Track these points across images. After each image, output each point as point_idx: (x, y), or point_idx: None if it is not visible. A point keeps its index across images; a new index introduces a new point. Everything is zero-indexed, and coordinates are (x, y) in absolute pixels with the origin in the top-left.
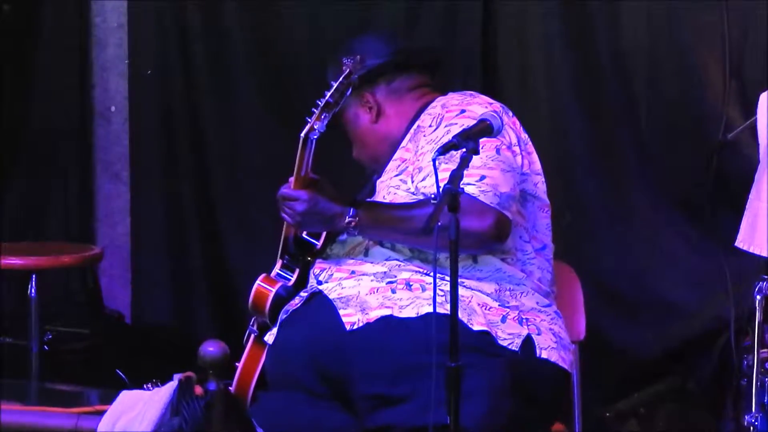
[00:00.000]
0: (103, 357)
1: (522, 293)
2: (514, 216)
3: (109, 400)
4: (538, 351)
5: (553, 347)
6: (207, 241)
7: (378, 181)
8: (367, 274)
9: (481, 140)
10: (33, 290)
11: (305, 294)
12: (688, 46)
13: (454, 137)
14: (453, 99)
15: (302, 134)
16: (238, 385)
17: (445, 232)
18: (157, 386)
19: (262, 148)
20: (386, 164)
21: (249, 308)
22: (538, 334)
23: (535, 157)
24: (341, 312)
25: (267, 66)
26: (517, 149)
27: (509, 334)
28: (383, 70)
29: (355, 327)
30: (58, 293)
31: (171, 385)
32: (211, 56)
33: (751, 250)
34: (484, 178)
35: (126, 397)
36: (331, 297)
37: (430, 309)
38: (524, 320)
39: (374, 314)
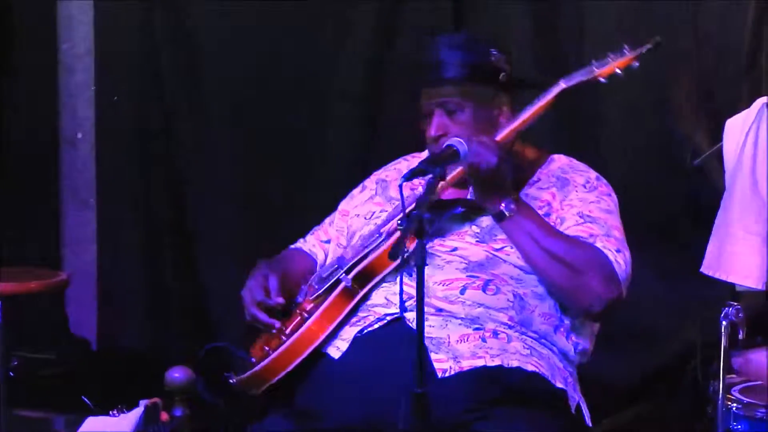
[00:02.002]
0: (70, 383)
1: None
2: None
3: (75, 426)
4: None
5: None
6: (178, 266)
7: None
8: (455, 317)
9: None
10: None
11: (387, 316)
12: (659, 71)
13: (420, 163)
14: (603, 179)
15: (564, 83)
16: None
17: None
18: (123, 412)
19: (237, 172)
20: None
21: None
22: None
23: None
24: (433, 356)
25: (242, 88)
26: None
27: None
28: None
29: (447, 375)
30: (25, 319)
31: (137, 411)
32: (183, 80)
33: (717, 276)
34: (621, 252)
35: (92, 423)
36: None
37: (517, 363)
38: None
39: (467, 363)
